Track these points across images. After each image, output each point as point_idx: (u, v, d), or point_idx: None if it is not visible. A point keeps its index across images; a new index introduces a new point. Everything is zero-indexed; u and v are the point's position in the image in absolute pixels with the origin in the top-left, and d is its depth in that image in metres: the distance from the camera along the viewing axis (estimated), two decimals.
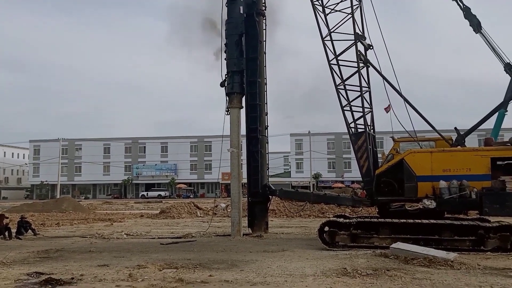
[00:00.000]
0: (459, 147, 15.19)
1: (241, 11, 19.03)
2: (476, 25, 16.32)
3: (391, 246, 12.57)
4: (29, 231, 19.31)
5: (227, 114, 18.81)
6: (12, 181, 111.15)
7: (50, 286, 9.01)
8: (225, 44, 18.94)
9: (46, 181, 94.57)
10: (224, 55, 18.94)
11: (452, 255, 11.42)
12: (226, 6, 18.98)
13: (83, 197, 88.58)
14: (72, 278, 9.69)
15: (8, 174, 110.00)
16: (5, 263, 11.82)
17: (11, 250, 14.43)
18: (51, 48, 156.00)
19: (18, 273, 10.50)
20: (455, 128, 16.10)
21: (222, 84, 18.82)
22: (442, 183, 13.92)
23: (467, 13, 16.51)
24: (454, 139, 15.54)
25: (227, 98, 18.77)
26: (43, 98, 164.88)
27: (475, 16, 16.41)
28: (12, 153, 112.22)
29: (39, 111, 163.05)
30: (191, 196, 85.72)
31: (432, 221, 13.43)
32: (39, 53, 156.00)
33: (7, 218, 19.87)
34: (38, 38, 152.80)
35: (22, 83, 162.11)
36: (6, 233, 18.29)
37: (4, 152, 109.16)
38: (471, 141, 17.16)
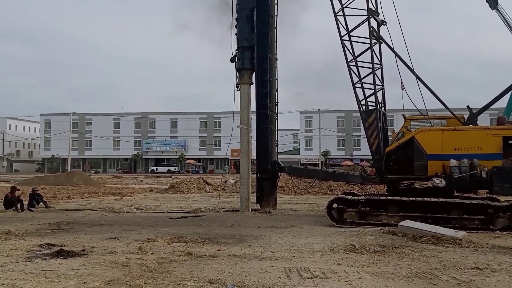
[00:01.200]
0: (471, 125, 15.03)
1: None
2: (492, 1, 15.96)
3: (399, 224, 12.58)
4: (41, 203, 19.56)
5: (237, 90, 18.72)
6: (23, 154, 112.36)
7: (61, 257, 9.15)
8: (236, 19, 18.71)
9: (57, 154, 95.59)
10: (234, 30, 18.74)
11: (460, 234, 11.41)
12: None
13: (94, 171, 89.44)
14: (83, 250, 9.83)
15: (20, 147, 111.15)
16: (17, 234, 12.01)
17: (23, 222, 14.66)
18: (62, 20, 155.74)
19: (30, 244, 10.68)
20: (468, 106, 15.90)
21: (232, 60, 18.66)
22: (453, 162, 13.80)
23: None
24: (466, 118, 15.37)
25: (237, 73, 18.64)
26: (54, 71, 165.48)
27: None
28: (24, 127, 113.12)
29: (50, 84, 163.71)
30: (200, 171, 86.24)
31: (441, 199, 13.39)
32: (50, 25, 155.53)
33: (19, 190, 20.15)
34: (49, 10, 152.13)
35: (33, 56, 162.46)
36: (18, 205, 18.56)
37: (16, 126, 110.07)
38: (483, 120, 16.97)
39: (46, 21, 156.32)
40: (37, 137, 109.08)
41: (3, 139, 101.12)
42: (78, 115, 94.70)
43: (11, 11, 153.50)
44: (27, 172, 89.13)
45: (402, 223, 12.53)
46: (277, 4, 19.16)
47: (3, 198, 19.66)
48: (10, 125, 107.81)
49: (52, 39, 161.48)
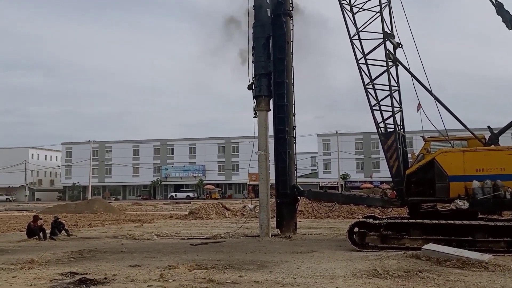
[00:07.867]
0: (492, 146, 14.84)
1: (268, 14, 19.00)
2: (509, 21, 15.91)
3: (423, 247, 12.36)
4: (63, 231, 19.76)
5: (255, 117, 18.82)
6: (45, 183, 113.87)
7: (84, 286, 9.20)
8: (252, 47, 18.95)
9: (78, 182, 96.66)
10: (251, 58, 18.96)
11: (486, 257, 11.16)
12: (253, 9, 19.00)
13: (114, 198, 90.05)
14: (105, 278, 9.87)
15: (42, 176, 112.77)
16: (40, 263, 12.12)
17: (46, 251, 14.80)
18: (80, 50, 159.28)
19: (53, 273, 10.76)
20: (488, 126, 15.73)
21: (249, 87, 18.83)
22: (475, 183, 13.59)
23: (500, 9, 16.11)
24: (487, 138, 15.18)
25: (255, 100, 18.78)
26: (74, 100, 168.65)
27: (508, 12, 15.99)
28: (46, 156, 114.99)
29: (71, 113, 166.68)
30: (219, 197, 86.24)
31: (465, 222, 13.14)
32: (69, 55, 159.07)
33: (41, 219, 20.38)
34: (68, 41, 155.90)
35: (53, 86, 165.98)
36: (41, 234, 18.74)
37: (38, 155, 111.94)
38: (505, 140, 16.71)
39: (65, 51, 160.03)
40: (58, 166, 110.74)
41: (25, 169, 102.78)
42: (98, 143, 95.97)
43: (31, 43, 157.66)
44: (49, 200, 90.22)
45: (425, 246, 12.31)
46: (292, 30, 19.38)
47: (26, 227, 19.90)
48: (32, 154, 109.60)
49: (71, 69, 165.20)
